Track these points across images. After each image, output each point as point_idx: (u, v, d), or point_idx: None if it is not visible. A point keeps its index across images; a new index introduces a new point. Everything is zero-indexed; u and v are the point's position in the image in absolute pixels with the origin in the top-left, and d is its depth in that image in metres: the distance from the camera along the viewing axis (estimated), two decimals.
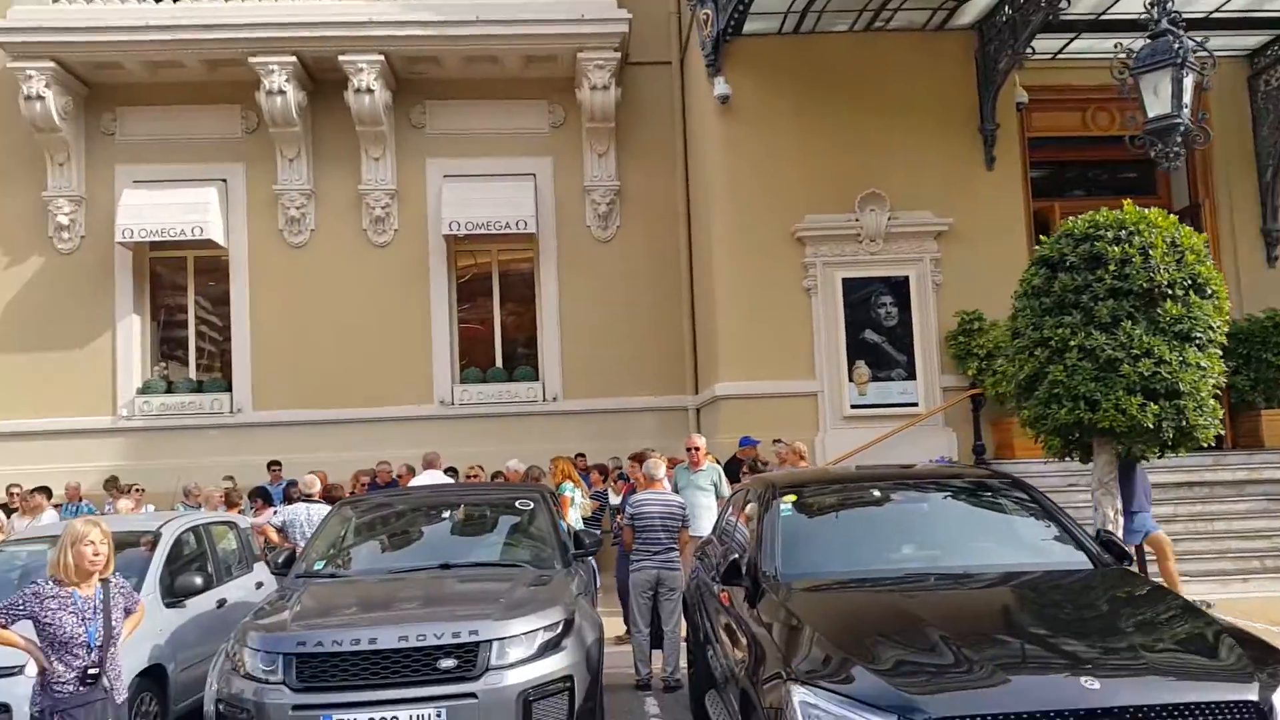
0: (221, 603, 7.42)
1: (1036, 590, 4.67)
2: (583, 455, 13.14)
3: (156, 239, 13.66)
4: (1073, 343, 7.03)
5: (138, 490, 12.27)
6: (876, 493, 5.56)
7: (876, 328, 12.53)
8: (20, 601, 4.17)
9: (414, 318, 14.54)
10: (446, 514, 6.61)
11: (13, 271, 14.05)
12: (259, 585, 8.30)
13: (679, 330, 14.88)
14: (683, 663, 7.79)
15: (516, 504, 6.64)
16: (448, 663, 4.75)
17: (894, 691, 3.60)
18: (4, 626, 4.19)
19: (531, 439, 14.07)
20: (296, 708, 4.57)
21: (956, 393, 12.42)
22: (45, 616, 4.13)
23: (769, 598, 4.74)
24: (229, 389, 14.40)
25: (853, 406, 12.39)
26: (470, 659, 4.77)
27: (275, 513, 9.68)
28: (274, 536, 9.29)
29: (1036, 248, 7.86)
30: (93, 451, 13.91)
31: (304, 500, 9.41)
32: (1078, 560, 4.95)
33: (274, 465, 13.00)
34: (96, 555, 4.24)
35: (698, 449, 9.55)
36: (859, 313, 12.56)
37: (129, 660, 5.96)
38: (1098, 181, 14.78)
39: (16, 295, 14.03)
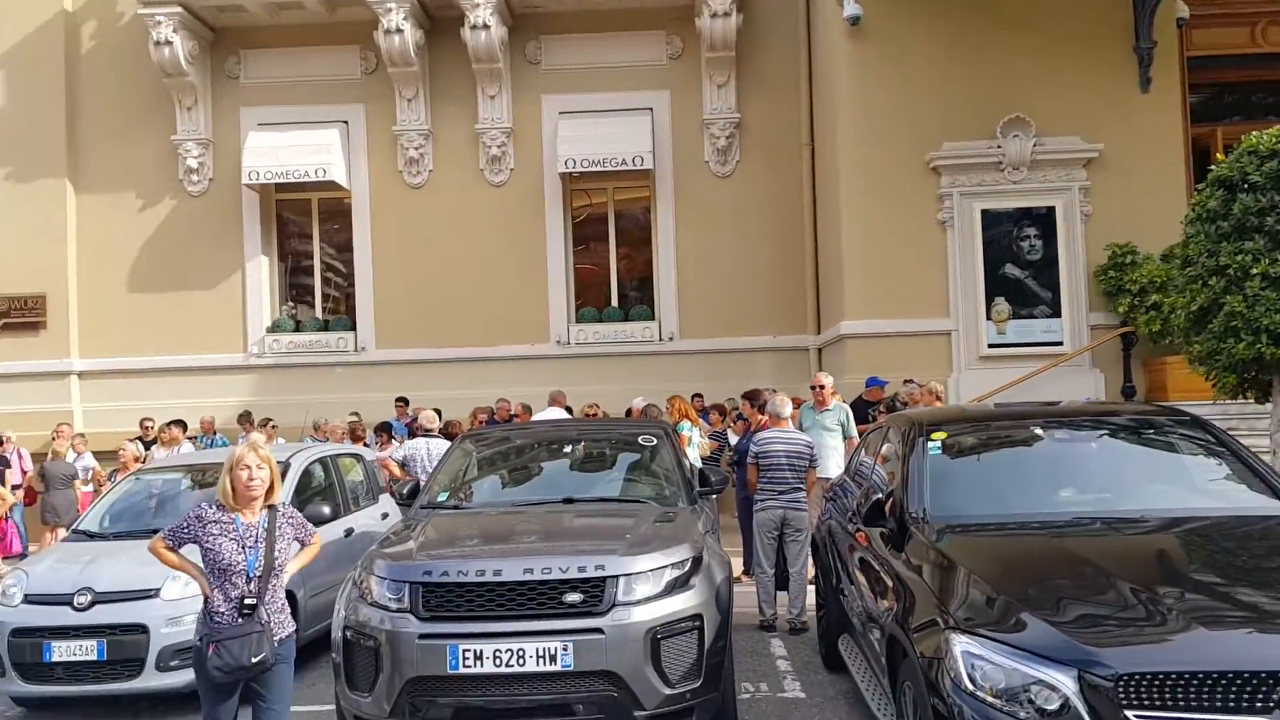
0: (349, 532, 7.49)
1: (1227, 537, 4.16)
2: (699, 395, 12.88)
3: (281, 180, 13.87)
4: (1254, 270, 6.35)
5: (271, 425, 12.62)
6: (1035, 430, 5.07)
7: (1018, 262, 11.75)
8: (185, 525, 4.05)
9: (530, 257, 14.43)
10: (569, 449, 6.41)
11: (148, 214, 14.51)
12: (384, 516, 8.37)
13: (801, 268, 14.34)
14: (809, 605, 7.56)
15: (640, 440, 6.39)
16: (573, 597, 4.56)
17: (1072, 643, 3.21)
18: (171, 549, 4.10)
19: (647, 379, 13.88)
20: (423, 636, 4.45)
21: (1105, 331, 11.58)
22: (207, 541, 3.97)
23: (917, 540, 4.37)
24: (353, 328, 14.64)
25: (990, 346, 11.69)
26: (596, 594, 4.57)
27: (398, 447, 9.74)
28: (396, 470, 9.36)
29: (1212, 168, 7.10)
30: (225, 387, 14.38)
31: (424, 435, 9.44)
32: (1269, 506, 4.40)
33: (400, 401, 13.17)
34: (252, 480, 4.00)
35: (824, 387, 9.16)
36: (998, 247, 11.79)
37: None
38: (1264, 105, 13.45)
39: (152, 236, 14.51)
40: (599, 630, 4.50)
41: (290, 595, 6.45)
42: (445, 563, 4.68)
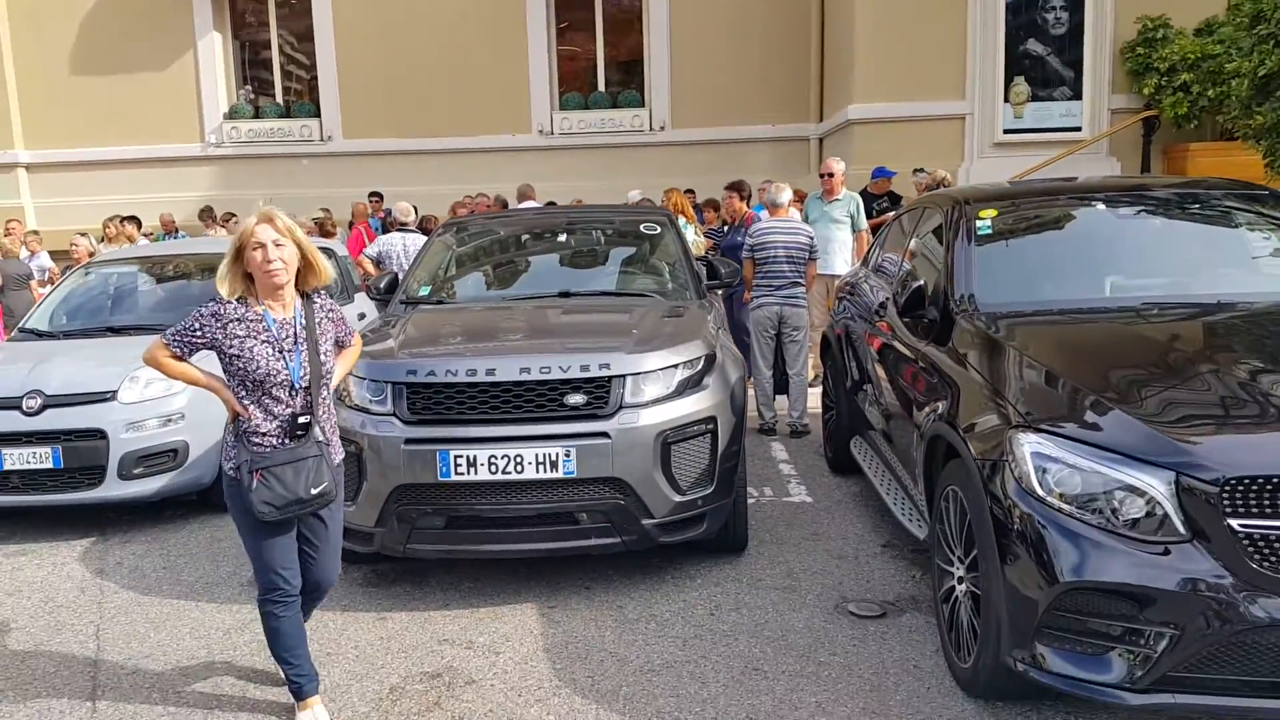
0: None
1: None
2: (692, 191, 12.13)
3: None
4: None
5: (234, 221, 11.82)
6: (1098, 205, 4.46)
7: (1042, 36, 10.78)
8: (196, 325, 3.01)
9: (509, 37, 13.24)
10: (563, 238, 5.74)
11: None
12: (361, 316, 7.82)
13: (804, 49, 13.26)
14: (810, 407, 7.22)
15: (642, 228, 5.73)
16: (576, 399, 4.07)
17: (1166, 440, 2.74)
18: (179, 357, 3.07)
19: (637, 172, 13.08)
20: (410, 441, 3.98)
21: (1128, 115, 10.79)
22: (230, 345, 2.98)
23: (963, 329, 3.86)
24: (317, 115, 13.57)
25: (1006, 131, 10.93)
26: (602, 395, 4.09)
27: (371, 243, 9.06)
28: (370, 268, 8.72)
29: None
30: (184, 181, 13.49)
31: (400, 230, 8.74)
32: None
33: (374, 196, 12.35)
34: (271, 262, 2.93)
35: (833, 175, 8.46)
36: (1022, 19, 10.77)
37: None
38: None
39: (91, 12, 13.15)
40: (605, 434, 4.04)
41: None
42: (432, 361, 4.14)
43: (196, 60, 13.31)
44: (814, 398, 7.22)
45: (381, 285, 5.47)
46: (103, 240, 11.48)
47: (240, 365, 2.99)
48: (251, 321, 3.01)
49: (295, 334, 3.07)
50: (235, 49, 13.82)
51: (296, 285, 3.09)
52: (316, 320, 3.13)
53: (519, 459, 3.99)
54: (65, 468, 5.15)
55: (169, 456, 5.30)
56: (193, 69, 13.33)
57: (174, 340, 3.04)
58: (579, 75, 14.02)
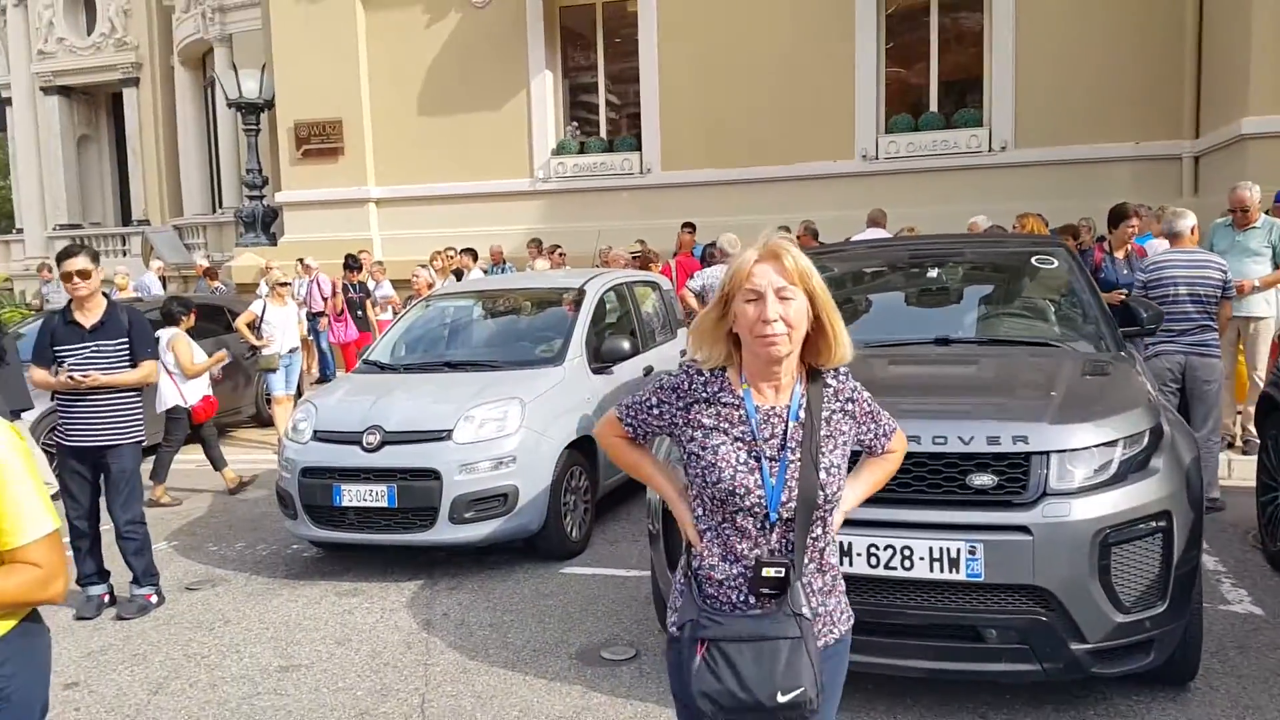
0: (648, 370, 6.51)
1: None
2: (1040, 216, 10.70)
3: None
4: None
5: (560, 253, 12.00)
6: None
7: None
8: (652, 401, 2.09)
9: (834, 57, 12.47)
10: (933, 272, 4.85)
11: (433, 31, 13.93)
12: (683, 353, 7.33)
13: (1176, 57, 11.40)
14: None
15: (1033, 260, 4.72)
16: (983, 480, 3.20)
17: None
18: (631, 440, 2.16)
19: (972, 196, 11.82)
20: None
21: None
22: (690, 438, 2.02)
23: None
24: (638, 148, 13.54)
25: None
26: (1017, 477, 3.19)
27: (692, 276, 8.60)
28: (693, 303, 8.25)
29: None
30: (512, 214, 13.92)
31: (725, 262, 8.21)
32: None
33: (687, 227, 12.03)
34: (768, 324, 1.91)
35: (1247, 200, 6.93)
36: None
37: (559, 431, 5.18)
38: None
39: (438, 56, 13.97)
40: (1023, 529, 3.14)
41: (589, 441, 5.62)
42: None
43: (529, 99, 13.76)
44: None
45: None
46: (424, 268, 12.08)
47: (699, 470, 1.99)
48: (725, 406, 2.00)
49: (785, 433, 1.98)
50: (564, 88, 14.18)
51: (802, 357, 2.01)
52: (825, 415, 2.02)
53: (907, 552, 3.19)
54: (399, 507, 5.00)
55: (499, 501, 5.01)
56: (524, 108, 13.80)
57: (627, 416, 2.13)
58: (908, 96, 13.00)
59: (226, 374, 10.03)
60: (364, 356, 6.29)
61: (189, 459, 9.21)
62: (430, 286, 8.94)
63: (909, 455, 3.17)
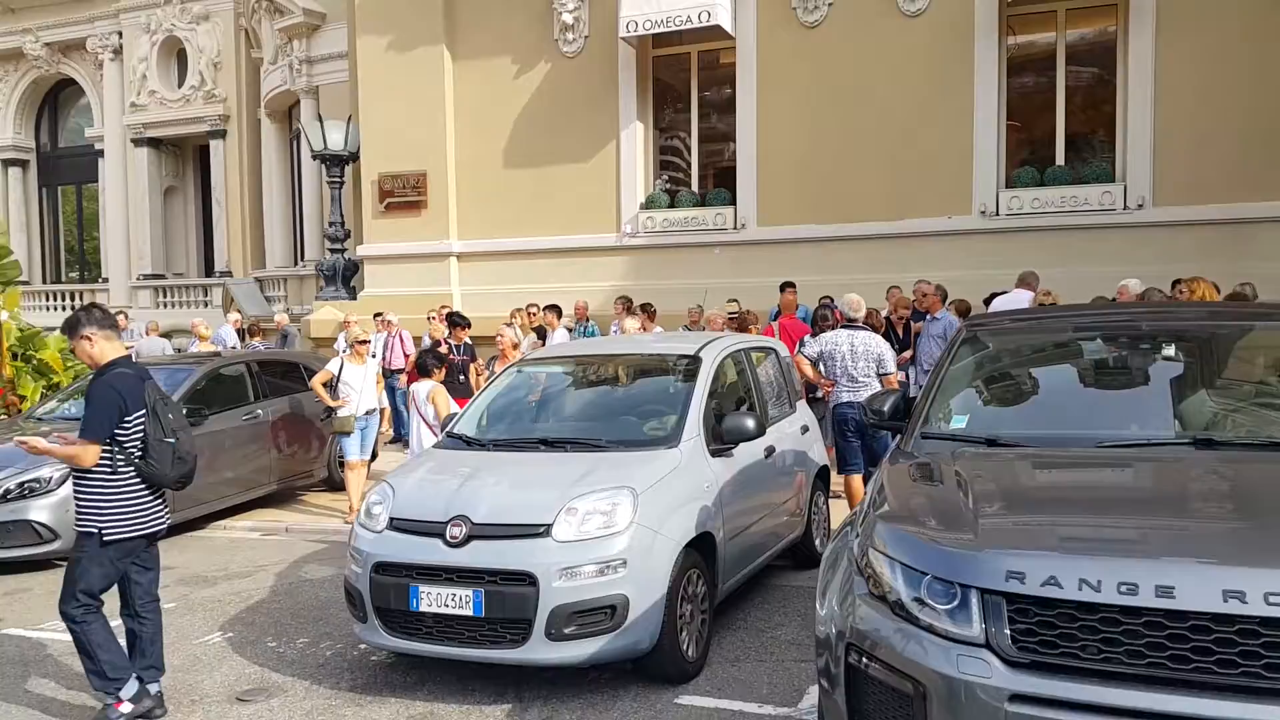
0: (769, 451, 5.61)
1: None
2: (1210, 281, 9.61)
3: (661, 30, 12.08)
4: None
5: (650, 312, 11.20)
6: None
7: None
8: None
9: (951, 106, 11.59)
10: (1169, 349, 3.83)
11: (522, 81, 13.46)
12: (804, 430, 6.44)
13: None
14: None
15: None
16: None
17: None
18: None
19: (1105, 258, 10.77)
20: (1020, 699, 2.36)
21: None
22: None
23: None
24: (732, 202, 12.78)
25: None
26: None
27: (811, 341, 7.70)
28: (809, 370, 7.36)
29: None
30: (597, 270, 13.24)
31: (848, 326, 7.30)
32: None
33: (788, 287, 11.17)
34: None
35: None
36: None
37: (675, 527, 4.29)
38: None
39: (526, 106, 13.48)
40: None
41: (708, 538, 4.72)
42: (1051, 559, 2.50)
43: (618, 151, 13.17)
44: None
45: (884, 408, 3.93)
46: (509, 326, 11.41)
47: None
48: None
49: None
50: (655, 140, 13.57)
51: None
52: None
53: None
54: (486, 616, 4.14)
55: (606, 614, 4.12)
56: (614, 160, 13.20)
57: None
58: (1032, 147, 12.03)
59: (299, 435, 9.44)
60: (448, 429, 5.49)
61: (255, 526, 8.58)
62: (516, 346, 8.19)
63: (1228, 617, 2.24)
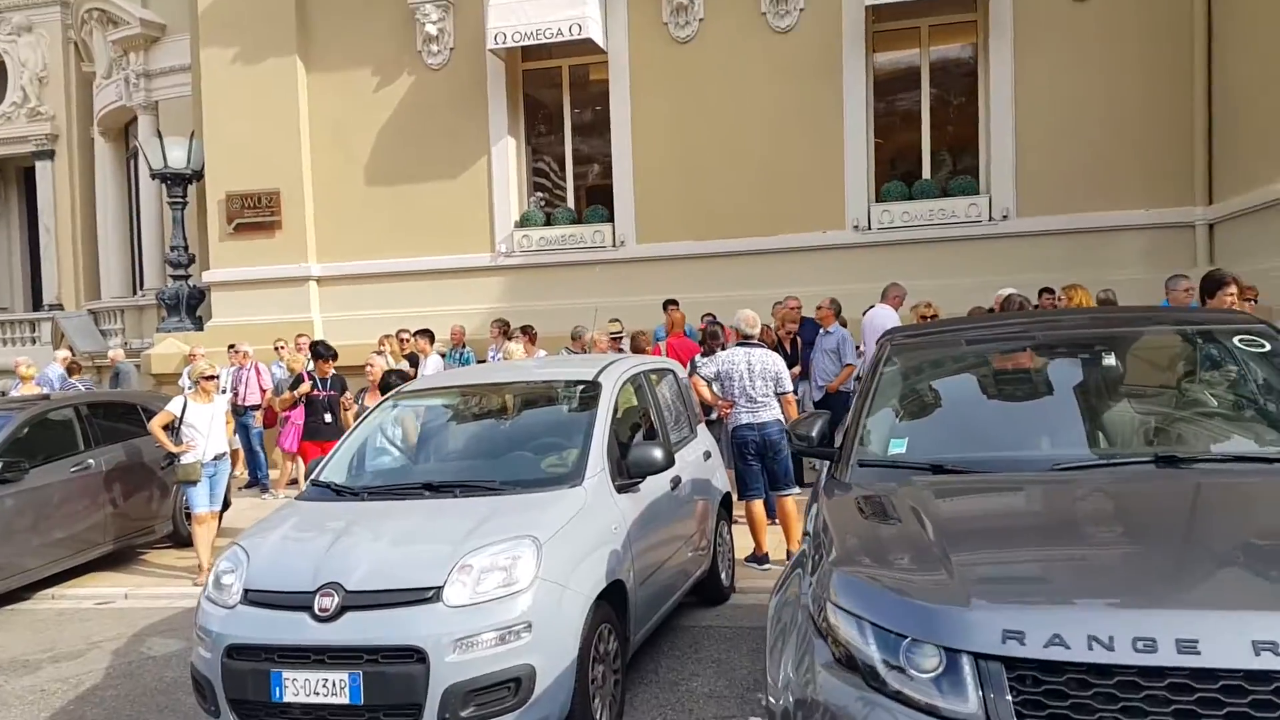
0: (675, 482, 5.17)
1: None
2: (1050, 291, 9.84)
3: (531, 41, 11.59)
4: None
5: (526, 334, 10.66)
6: None
7: None
8: None
9: (821, 121, 11.57)
10: (1111, 359, 3.59)
11: (384, 94, 12.72)
12: (707, 456, 6.05)
13: (1184, 116, 10.73)
14: None
15: (1237, 341, 3.52)
16: None
17: None
18: None
19: (972, 269, 10.94)
20: None
21: None
22: None
23: None
24: (610, 219, 12.40)
25: None
26: None
27: (708, 361, 7.34)
28: (705, 392, 6.99)
29: None
30: (472, 292, 12.62)
31: (743, 344, 6.96)
32: None
33: (671, 304, 10.84)
34: None
35: None
36: None
37: (584, 579, 3.81)
38: None
39: (389, 120, 12.75)
40: None
41: (619, 587, 4.25)
42: (1047, 612, 2.14)
43: (490, 168, 12.59)
44: None
45: (812, 433, 3.55)
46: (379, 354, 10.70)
47: None
48: None
49: None
50: (528, 155, 13.05)
51: None
52: None
53: None
54: (366, 704, 3.52)
55: (509, 689, 3.57)
56: (485, 177, 12.61)
57: None
58: (900, 162, 12.14)
59: (138, 486, 8.43)
60: (312, 477, 4.82)
61: (89, 594, 7.57)
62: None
63: (1266, 674, 1.92)
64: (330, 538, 3.98)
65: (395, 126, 12.73)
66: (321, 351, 9.43)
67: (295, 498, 4.78)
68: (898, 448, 3.22)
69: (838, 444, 3.42)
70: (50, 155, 19.38)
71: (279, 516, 4.44)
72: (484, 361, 11.67)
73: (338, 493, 4.56)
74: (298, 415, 9.80)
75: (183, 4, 14.38)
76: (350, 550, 3.87)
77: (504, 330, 10.99)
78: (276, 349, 11.41)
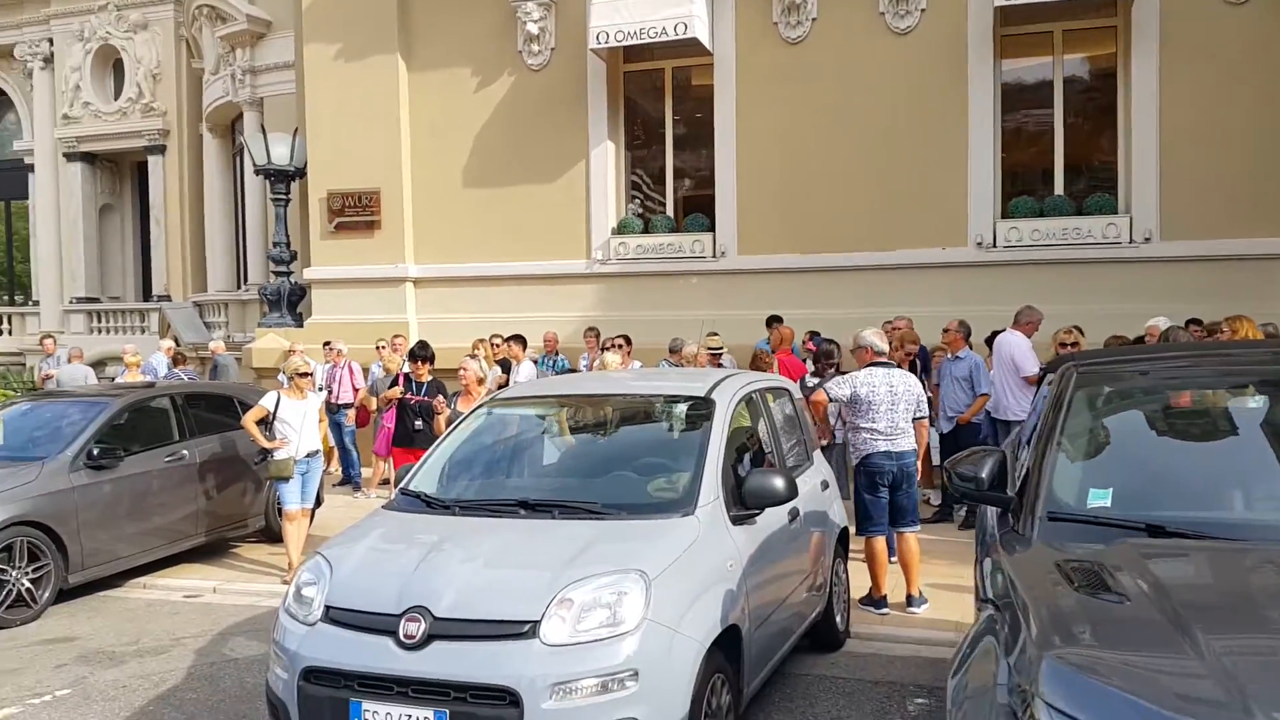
0: (794, 515, 4.67)
1: None
2: (1198, 322, 9.03)
3: (634, 41, 11.24)
4: None
5: (622, 345, 10.29)
6: None
7: None
8: None
9: (944, 130, 10.90)
10: None
11: (484, 94, 12.54)
12: (824, 486, 5.53)
13: None
14: None
15: None
16: None
17: None
18: None
19: (1108, 294, 10.16)
20: None
21: None
22: None
23: None
24: (711, 228, 11.95)
25: None
26: None
27: (839, 379, 6.76)
28: (821, 414, 6.45)
29: None
30: (566, 299, 12.31)
31: (879, 364, 6.31)
32: None
33: (775, 321, 10.33)
34: None
35: None
36: None
37: (697, 623, 3.35)
38: None
39: (487, 122, 12.55)
40: None
41: (735, 632, 3.77)
42: None
43: (588, 172, 12.29)
44: None
45: (983, 474, 3.01)
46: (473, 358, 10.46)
47: None
48: None
49: None
50: (627, 159, 12.71)
51: None
52: None
53: None
54: None
55: None
56: (583, 181, 12.32)
57: None
58: (1029, 176, 11.38)
59: (232, 479, 8.31)
60: (401, 485, 4.48)
61: (179, 585, 7.45)
62: (481, 382, 7.19)
63: None
64: (418, 554, 3.61)
65: (494, 128, 12.53)
66: (417, 353, 8.71)
67: (383, 506, 4.43)
68: (1099, 499, 2.66)
69: (1010, 489, 2.88)
70: (161, 150, 19.88)
71: (365, 525, 4.10)
72: (575, 370, 11.38)
73: (427, 504, 4.20)
74: (389, 418, 9.56)
75: (288, 1, 14.49)
76: (439, 570, 3.49)
77: (598, 338, 10.64)
78: (377, 349, 11.29)
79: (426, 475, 4.49)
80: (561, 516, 3.85)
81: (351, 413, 10.94)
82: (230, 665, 5.56)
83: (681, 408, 4.52)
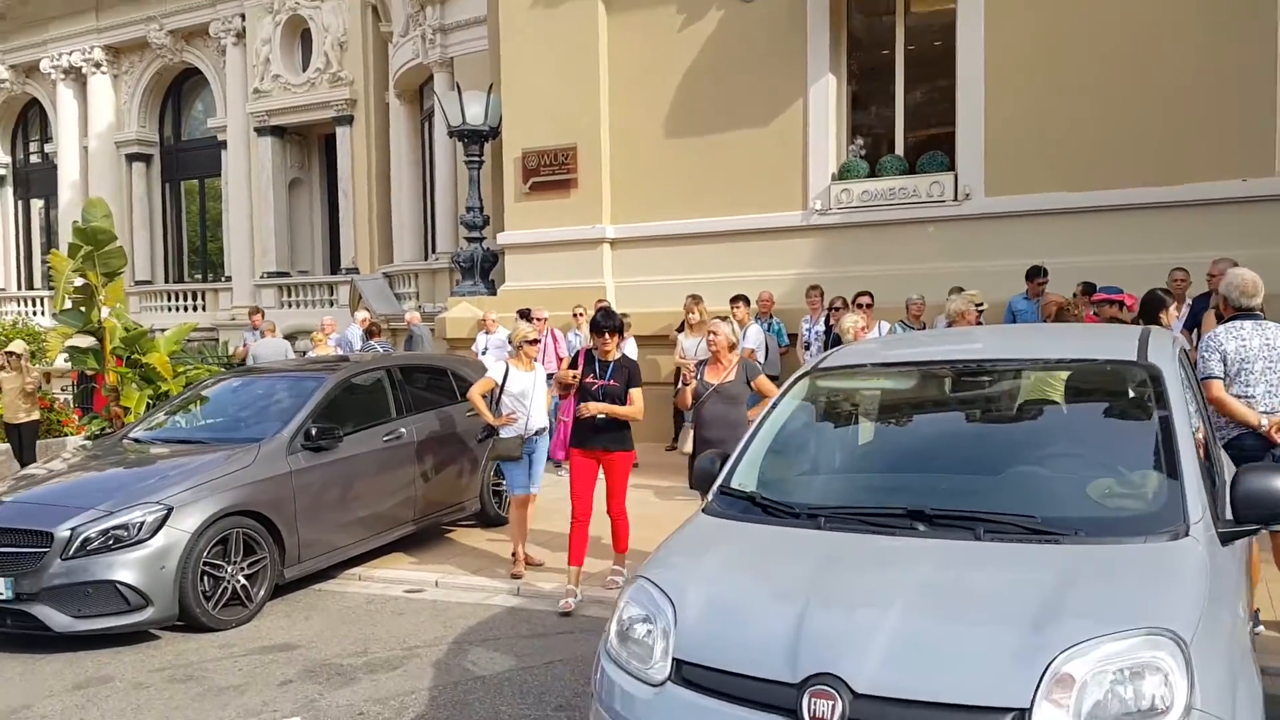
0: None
1: None
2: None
3: None
4: None
5: (863, 302, 9.05)
6: None
7: None
8: None
9: (1248, 35, 9.03)
10: None
11: (689, 33, 11.41)
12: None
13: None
14: None
15: None
16: None
17: None
18: None
19: None
20: None
21: None
22: None
23: None
24: (951, 168, 10.46)
25: None
26: None
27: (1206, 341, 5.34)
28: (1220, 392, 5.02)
29: None
30: (779, 255, 11.12)
31: (1245, 316, 4.90)
32: None
33: (1035, 273, 8.82)
34: None
35: None
36: None
37: (1246, 709, 2.10)
38: None
39: (693, 64, 11.43)
40: None
41: None
42: None
43: (806, 112, 10.97)
44: None
45: None
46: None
47: None
48: None
49: None
50: (849, 96, 11.32)
51: None
52: None
53: None
54: None
55: None
56: (799, 123, 11.02)
57: None
58: None
59: (450, 459, 7.59)
60: (720, 483, 3.43)
61: (397, 578, 6.71)
62: (733, 349, 6.08)
63: None
64: (798, 589, 2.54)
65: (699, 70, 11.39)
66: (602, 323, 6.04)
67: (703, 510, 3.35)
68: None
69: None
70: (349, 121, 19.81)
71: (693, 539, 3.06)
72: (794, 335, 10.20)
73: (770, 510, 3.12)
74: (566, 409, 6.95)
75: None
76: (841, 618, 2.41)
77: (822, 298, 9.43)
78: (575, 315, 10.47)
79: (748, 469, 3.41)
80: (988, 536, 2.68)
81: (555, 385, 10.13)
82: (478, 686, 4.73)
83: (1111, 379, 3.27)
